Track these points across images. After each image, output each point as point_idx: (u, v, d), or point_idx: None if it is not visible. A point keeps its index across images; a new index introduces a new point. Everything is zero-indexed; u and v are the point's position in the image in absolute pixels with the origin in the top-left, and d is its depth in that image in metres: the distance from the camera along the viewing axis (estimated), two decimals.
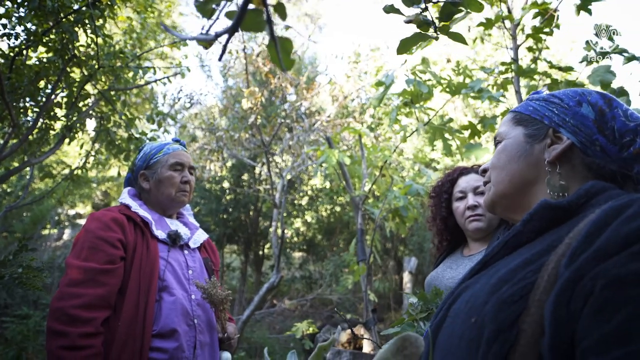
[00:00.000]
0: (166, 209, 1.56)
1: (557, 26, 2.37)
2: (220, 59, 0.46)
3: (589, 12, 2.27)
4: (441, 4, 0.84)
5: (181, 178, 1.54)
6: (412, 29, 0.88)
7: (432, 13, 0.85)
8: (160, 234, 1.45)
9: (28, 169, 3.92)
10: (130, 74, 3.47)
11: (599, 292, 0.45)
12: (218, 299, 1.38)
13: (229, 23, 0.43)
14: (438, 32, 0.88)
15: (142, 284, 1.31)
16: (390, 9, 0.88)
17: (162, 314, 1.32)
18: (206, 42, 0.45)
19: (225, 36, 0.43)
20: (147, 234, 1.42)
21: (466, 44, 0.95)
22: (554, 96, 0.76)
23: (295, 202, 9.69)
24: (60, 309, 1.21)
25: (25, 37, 2.64)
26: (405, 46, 0.92)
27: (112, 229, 1.36)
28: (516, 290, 0.54)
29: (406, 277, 7.18)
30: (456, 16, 0.87)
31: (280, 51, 0.46)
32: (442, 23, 0.88)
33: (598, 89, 2.00)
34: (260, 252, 10.04)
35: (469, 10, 0.88)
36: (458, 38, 0.91)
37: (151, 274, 1.33)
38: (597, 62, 2.13)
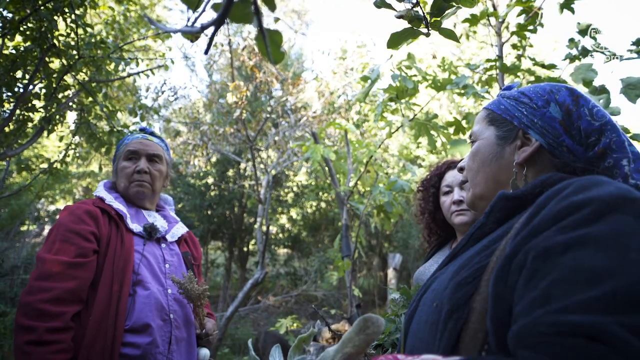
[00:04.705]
0: (134, 201, 1.51)
1: (541, 24, 2.40)
2: (206, 52, 0.45)
3: (572, 10, 2.30)
4: None
5: (134, 168, 1.48)
6: (403, 24, 0.87)
7: (424, 8, 0.84)
8: (136, 227, 1.41)
9: (4, 162, 3.81)
10: (112, 66, 3.38)
11: (530, 264, 0.49)
12: (195, 293, 1.34)
13: (214, 15, 0.41)
14: (429, 28, 0.87)
15: (115, 278, 1.27)
16: (381, 4, 0.86)
17: (136, 309, 1.28)
18: (192, 34, 0.44)
19: (212, 28, 0.41)
20: (121, 227, 1.38)
21: (457, 40, 0.94)
22: (524, 95, 0.77)
23: (281, 198, 9.66)
24: (29, 303, 1.17)
25: (1, 25, 2.55)
26: (395, 40, 0.91)
27: (85, 221, 1.32)
28: (470, 272, 0.58)
29: (391, 273, 7.22)
30: (447, 11, 0.87)
31: (269, 44, 0.45)
32: (434, 19, 0.87)
33: (580, 86, 2.04)
34: (245, 249, 9.99)
35: (460, 5, 0.88)
36: (449, 34, 0.91)
37: (124, 268, 1.29)
38: (580, 59, 2.17)
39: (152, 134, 1.58)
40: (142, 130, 1.58)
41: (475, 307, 0.54)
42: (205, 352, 1.45)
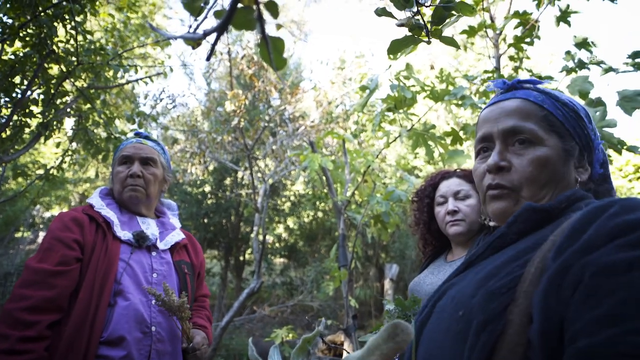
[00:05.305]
0: (129, 207, 1.49)
1: (538, 37, 2.43)
2: (208, 59, 0.45)
3: (568, 23, 2.33)
4: (433, 7, 0.84)
5: (127, 172, 1.46)
6: (404, 32, 0.88)
7: (424, 17, 0.85)
8: (125, 234, 1.38)
9: (0, 167, 3.79)
10: (111, 72, 3.39)
11: (589, 280, 0.47)
12: (174, 305, 1.29)
13: (216, 23, 0.41)
14: (430, 37, 0.87)
15: (95, 287, 1.25)
16: (382, 12, 0.86)
17: (113, 320, 1.24)
18: (194, 41, 0.43)
19: (214, 35, 0.41)
20: (108, 234, 1.35)
21: (458, 47, 0.94)
22: (577, 108, 0.74)
23: (278, 207, 9.63)
24: (9, 311, 1.16)
25: (1, 30, 2.56)
26: (396, 47, 0.91)
27: (70, 229, 1.30)
28: (504, 283, 0.56)
29: (387, 284, 7.18)
30: (448, 20, 0.87)
31: (272, 51, 0.45)
32: (434, 27, 0.87)
33: (577, 98, 2.05)
34: (241, 258, 9.92)
35: (460, 14, 0.88)
36: (450, 42, 0.91)
37: (105, 277, 1.26)
38: (576, 72, 2.18)
39: (147, 137, 1.57)
40: (137, 134, 1.57)
41: (512, 320, 0.52)
42: None
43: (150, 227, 1.47)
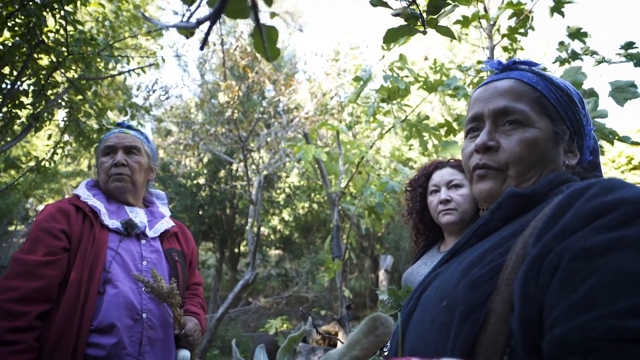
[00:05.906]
0: (116, 197, 1.49)
1: (532, 27, 2.42)
2: (202, 48, 0.44)
3: (562, 14, 2.33)
4: None
5: (112, 162, 1.46)
6: (400, 22, 0.87)
7: (420, 6, 0.84)
8: (113, 223, 1.38)
9: None
10: (102, 63, 3.35)
11: (566, 265, 0.46)
12: (163, 292, 1.30)
13: (209, 11, 0.41)
14: (425, 26, 0.87)
15: (84, 276, 1.25)
16: (377, 2, 0.85)
17: (102, 308, 1.25)
18: (187, 30, 0.43)
19: (207, 24, 0.41)
20: (95, 224, 1.36)
21: (454, 37, 0.94)
22: (571, 93, 0.74)
23: (273, 199, 9.63)
24: None
25: None
26: (392, 36, 0.90)
27: (57, 219, 1.31)
28: (486, 271, 0.55)
29: (382, 275, 7.23)
30: (444, 9, 0.87)
31: (266, 40, 0.44)
32: (430, 16, 0.87)
33: None
34: (236, 250, 9.94)
35: (456, 3, 0.87)
36: (445, 31, 0.90)
37: (94, 265, 1.27)
38: (569, 62, 2.19)
39: (130, 127, 1.57)
40: (119, 125, 1.57)
41: (494, 308, 0.51)
42: (184, 353, 1.40)
43: (138, 215, 1.48)
